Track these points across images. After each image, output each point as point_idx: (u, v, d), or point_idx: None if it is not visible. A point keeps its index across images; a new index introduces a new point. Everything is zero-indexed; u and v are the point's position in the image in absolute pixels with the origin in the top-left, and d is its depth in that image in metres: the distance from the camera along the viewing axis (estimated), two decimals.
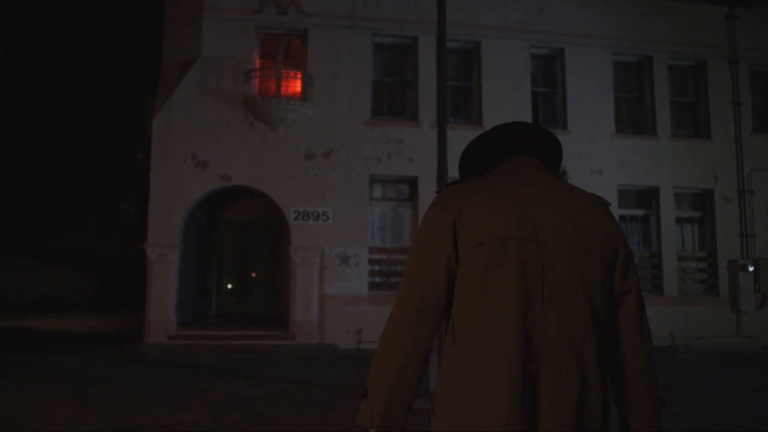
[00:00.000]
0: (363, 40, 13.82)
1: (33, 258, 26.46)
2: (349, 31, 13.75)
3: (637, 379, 1.71)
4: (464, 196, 1.74)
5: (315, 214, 13.17)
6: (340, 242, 13.16)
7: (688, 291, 14.61)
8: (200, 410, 7.13)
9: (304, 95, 13.36)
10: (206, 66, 13.24)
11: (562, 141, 2.04)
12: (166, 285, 12.71)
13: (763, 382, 9.94)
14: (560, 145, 1.96)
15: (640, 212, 14.74)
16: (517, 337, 1.59)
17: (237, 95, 13.17)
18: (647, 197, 14.76)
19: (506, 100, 13.93)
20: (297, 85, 13.51)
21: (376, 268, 13.51)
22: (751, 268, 14.17)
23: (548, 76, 14.79)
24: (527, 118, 13.66)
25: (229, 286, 17.34)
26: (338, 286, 13.09)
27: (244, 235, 17.33)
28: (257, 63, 13.63)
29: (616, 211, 13.46)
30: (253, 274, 17.44)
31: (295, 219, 13.12)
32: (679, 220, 14.82)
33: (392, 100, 14.15)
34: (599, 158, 14.28)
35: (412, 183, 13.73)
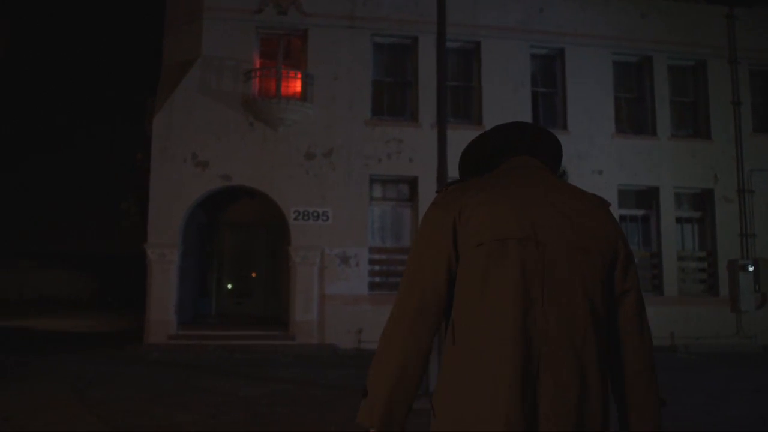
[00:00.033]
0: (363, 40, 13.83)
1: (33, 258, 26.46)
2: (349, 31, 13.75)
3: (638, 378, 1.71)
4: (464, 196, 1.74)
5: (315, 214, 13.17)
6: (340, 242, 13.16)
7: (688, 291, 14.61)
8: (200, 410, 7.13)
9: (304, 95, 13.36)
10: (206, 66, 13.24)
11: (562, 141, 2.04)
12: (166, 285, 12.71)
13: (763, 382, 9.94)
14: (560, 145, 1.97)
15: (640, 212, 14.74)
16: (517, 337, 1.59)
17: (237, 95, 13.17)
18: (647, 197, 14.76)
19: (506, 100, 13.93)
20: (297, 85, 13.51)
21: (376, 268, 13.51)
22: (751, 268, 14.17)
23: (548, 76, 14.79)
24: (527, 118, 13.66)
25: (229, 286, 17.34)
26: (338, 286, 13.09)
27: (244, 235, 17.33)
28: (257, 63, 13.63)
29: (616, 211, 13.46)
30: (253, 274, 17.44)
31: (295, 219, 13.12)
32: (679, 220, 14.81)
33: (392, 100, 14.15)
34: (599, 158, 14.28)
35: (412, 183, 13.74)
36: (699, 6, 15.45)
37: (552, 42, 14.53)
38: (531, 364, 1.59)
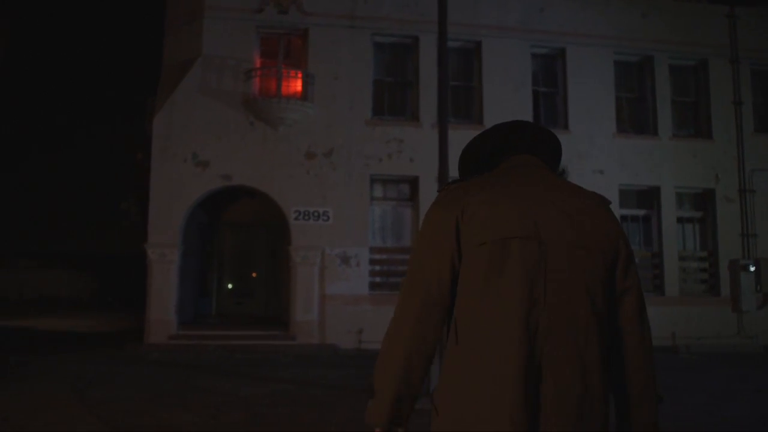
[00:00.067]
0: (364, 40, 13.81)
1: (33, 258, 26.48)
2: (349, 30, 13.73)
3: (636, 374, 1.72)
4: (466, 195, 1.74)
5: (315, 214, 13.15)
6: (341, 242, 13.15)
7: (689, 291, 14.59)
8: (200, 410, 7.12)
9: (305, 95, 13.35)
10: (207, 65, 13.23)
11: (563, 141, 2.03)
12: (167, 285, 12.70)
13: (765, 382, 9.92)
14: (560, 144, 1.97)
15: (641, 212, 14.72)
16: (519, 337, 1.59)
17: (237, 95, 13.15)
18: (648, 197, 14.74)
19: (507, 100, 13.92)
20: (297, 85, 13.50)
21: (377, 268, 13.50)
22: (752, 268, 14.14)
23: (549, 75, 14.78)
24: (528, 117, 13.64)
25: (230, 286, 17.33)
26: (339, 286, 13.08)
27: (245, 235, 17.32)
28: (258, 62, 13.61)
29: (617, 211, 13.45)
30: (254, 274, 17.43)
31: (296, 219, 13.11)
32: (680, 220, 14.80)
33: (393, 99, 14.14)
34: (600, 158, 14.27)
35: (413, 183, 13.72)
36: (700, 5, 15.43)
37: (553, 41, 14.52)
38: (533, 364, 1.59)
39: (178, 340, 12.51)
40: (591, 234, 1.70)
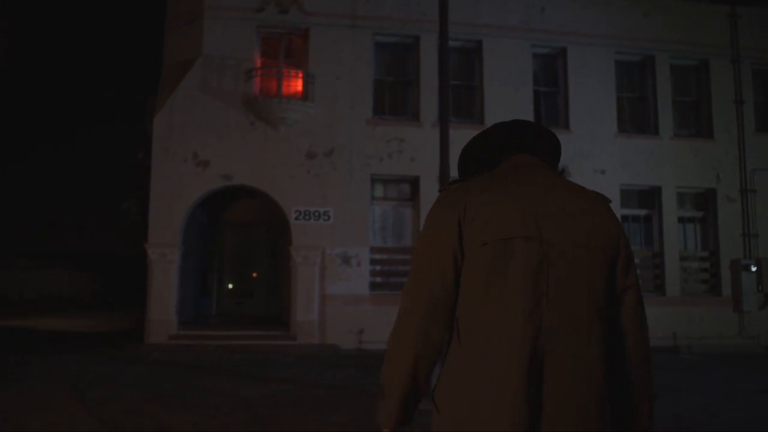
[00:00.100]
0: (364, 39, 13.80)
1: (33, 258, 26.48)
2: (350, 30, 13.72)
3: (634, 371, 1.72)
4: (468, 195, 1.73)
5: (316, 214, 13.14)
6: (342, 242, 13.14)
7: (690, 291, 14.57)
8: (201, 411, 7.11)
9: (306, 94, 13.33)
10: (207, 65, 13.22)
11: (564, 140, 2.03)
12: (167, 285, 12.69)
13: (767, 382, 9.89)
14: (559, 143, 1.97)
15: (642, 212, 14.70)
16: (522, 337, 1.59)
17: (238, 94, 13.14)
18: (649, 197, 14.72)
19: (508, 100, 13.90)
20: (298, 85, 13.49)
21: (378, 268, 13.48)
22: (753, 268, 14.12)
23: (550, 75, 14.76)
24: (529, 117, 13.62)
25: (230, 285, 17.33)
26: (339, 286, 13.07)
27: (245, 235, 17.32)
28: (258, 62, 13.60)
29: (618, 211, 13.43)
30: (254, 274, 17.43)
31: (296, 219, 13.09)
32: (681, 219, 14.77)
33: (394, 99, 14.12)
34: (601, 158, 14.25)
35: (414, 182, 13.71)
36: (701, 5, 15.40)
37: (554, 41, 14.50)
38: (535, 364, 1.59)
39: (179, 340, 12.50)
40: (592, 233, 1.70)
